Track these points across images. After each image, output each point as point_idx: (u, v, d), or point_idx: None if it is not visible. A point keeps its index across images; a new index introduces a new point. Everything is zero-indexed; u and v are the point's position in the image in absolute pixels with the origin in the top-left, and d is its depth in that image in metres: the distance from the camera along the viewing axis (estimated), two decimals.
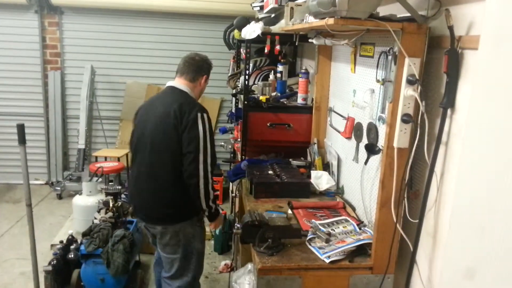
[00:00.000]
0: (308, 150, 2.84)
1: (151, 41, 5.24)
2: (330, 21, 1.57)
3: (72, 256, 3.11)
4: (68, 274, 3.04)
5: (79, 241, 3.16)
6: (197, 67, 2.36)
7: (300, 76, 2.93)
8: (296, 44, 2.69)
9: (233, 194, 3.55)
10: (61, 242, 3.27)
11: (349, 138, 2.27)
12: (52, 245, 3.64)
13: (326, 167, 2.61)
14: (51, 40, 5.21)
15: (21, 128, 2.50)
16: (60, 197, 4.98)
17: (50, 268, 2.97)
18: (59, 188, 4.96)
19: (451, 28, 1.45)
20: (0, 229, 4.12)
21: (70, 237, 3.34)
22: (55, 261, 3.06)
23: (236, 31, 3.50)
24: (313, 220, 2.02)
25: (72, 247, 3.18)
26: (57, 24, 5.17)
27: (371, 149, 1.91)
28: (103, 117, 5.33)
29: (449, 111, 1.52)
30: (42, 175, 5.46)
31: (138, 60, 5.28)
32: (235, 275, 2.78)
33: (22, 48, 5.16)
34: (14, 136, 5.04)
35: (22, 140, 2.51)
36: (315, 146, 2.73)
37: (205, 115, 2.21)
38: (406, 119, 1.60)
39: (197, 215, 2.36)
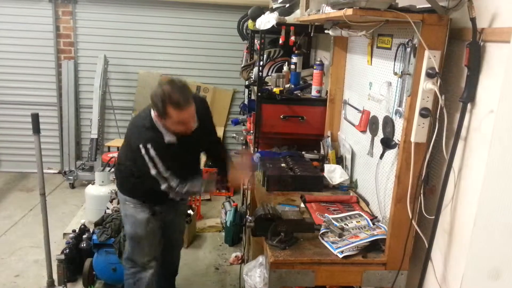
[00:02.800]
0: (321, 143, 2.80)
1: (165, 31, 5.22)
2: (349, 11, 1.53)
3: (85, 245, 3.14)
4: (81, 262, 3.07)
5: (91, 231, 3.19)
6: (152, 101, 2.11)
7: (314, 67, 2.89)
8: (311, 35, 2.65)
9: (245, 187, 3.54)
10: (74, 231, 3.30)
11: (364, 131, 2.23)
12: (64, 234, 3.68)
13: (339, 160, 2.58)
14: (64, 29, 5.22)
15: (35, 117, 2.51)
16: (72, 186, 5.02)
17: (62, 256, 3.00)
18: (71, 178, 5.00)
19: (473, 20, 1.40)
20: (14, 217, 4.17)
21: (83, 226, 3.36)
22: (67, 250, 3.09)
23: (250, 21, 3.47)
24: (326, 214, 2.00)
25: (84, 236, 3.20)
26: (70, 13, 5.17)
27: (387, 143, 1.88)
28: (116, 107, 5.34)
29: (468, 105, 1.48)
30: (55, 164, 5.51)
31: (151, 50, 5.27)
32: (246, 268, 2.77)
33: (36, 37, 5.17)
34: (27, 125, 5.06)
35: (36, 129, 2.53)
36: (329, 139, 2.69)
37: (148, 146, 2.12)
38: (424, 113, 1.56)
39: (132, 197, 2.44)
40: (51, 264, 2.87)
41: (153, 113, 2.17)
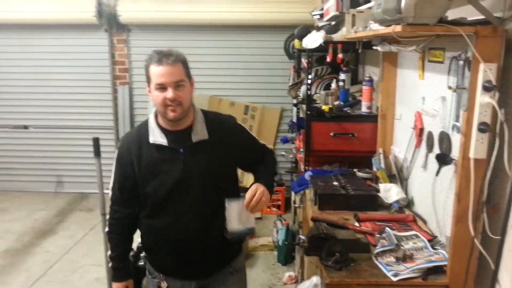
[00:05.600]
0: (372, 160, 2.75)
1: (213, 53, 5.37)
2: (397, 28, 1.52)
3: (142, 263, 3.23)
4: (139, 280, 3.16)
5: None
6: None
7: (363, 83, 2.86)
8: (359, 51, 2.63)
9: (296, 205, 3.53)
10: (132, 250, 3.40)
11: (418, 147, 2.17)
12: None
13: (392, 177, 2.52)
14: (119, 56, 5.51)
15: (96, 142, 2.65)
16: None
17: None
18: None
19: None
20: (76, 236, 4.39)
21: (140, 245, 3.46)
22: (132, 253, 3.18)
23: (296, 40, 3.50)
24: (387, 228, 1.95)
25: (142, 255, 3.29)
26: (124, 41, 5.46)
27: (443, 159, 1.82)
28: None
29: None
30: None
31: (200, 73, 5.40)
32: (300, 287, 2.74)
33: (94, 65, 5.49)
34: (86, 148, 5.41)
35: (97, 152, 2.66)
36: (380, 156, 2.64)
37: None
38: (483, 128, 1.50)
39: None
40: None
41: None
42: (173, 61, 1.64)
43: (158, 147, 1.72)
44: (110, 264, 1.90)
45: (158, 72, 1.64)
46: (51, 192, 5.74)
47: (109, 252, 1.90)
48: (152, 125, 1.75)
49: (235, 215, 1.67)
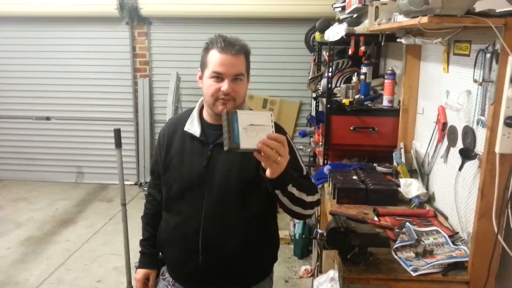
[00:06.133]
0: (393, 155, 2.72)
1: None
2: (424, 19, 1.49)
3: (161, 255, 3.27)
4: (158, 270, 3.20)
5: None
6: None
7: (385, 77, 2.81)
8: (382, 44, 2.60)
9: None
10: None
11: (441, 142, 2.14)
12: None
13: (412, 173, 2.48)
14: (140, 49, 5.55)
15: (117, 133, 2.68)
16: None
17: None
18: (147, 189, 5.25)
19: None
20: (95, 226, 4.46)
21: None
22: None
23: (317, 33, 3.47)
24: (407, 223, 1.92)
25: None
26: (145, 34, 5.50)
27: (467, 154, 1.78)
28: None
29: None
30: (131, 176, 5.82)
31: None
32: (317, 281, 2.74)
33: (115, 57, 5.55)
34: (106, 140, 5.48)
35: (118, 143, 2.69)
36: (401, 151, 2.60)
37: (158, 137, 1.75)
38: (510, 122, 1.46)
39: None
40: (130, 271, 3.02)
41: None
42: (237, 51, 1.49)
43: (190, 136, 1.60)
44: (139, 249, 1.83)
45: (218, 59, 1.48)
46: (71, 182, 5.85)
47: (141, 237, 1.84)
48: (194, 113, 1.64)
49: (242, 126, 1.27)
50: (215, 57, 1.49)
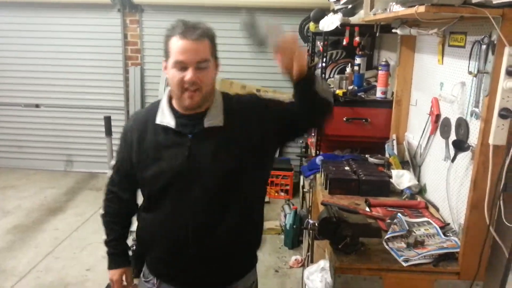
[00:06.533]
0: (386, 146, 2.72)
1: (225, 36, 5.28)
2: (421, 9, 1.48)
3: (132, 254, 3.24)
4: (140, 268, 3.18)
5: None
6: None
7: (379, 68, 2.81)
8: (377, 35, 2.58)
9: (305, 190, 3.51)
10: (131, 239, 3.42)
11: (434, 134, 2.14)
12: (131, 232, 3.83)
13: (405, 164, 2.49)
14: (132, 37, 5.47)
15: (108, 120, 2.65)
16: None
17: (130, 253, 3.12)
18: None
19: None
20: (85, 215, 4.42)
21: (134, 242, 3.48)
22: (134, 247, 3.21)
23: (311, 23, 3.44)
24: (399, 214, 1.93)
25: None
26: (137, 21, 5.42)
27: (460, 146, 1.78)
28: None
29: None
30: None
31: None
32: (307, 271, 2.74)
33: (106, 45, 5.46)
34: (96, 128, 5.40)
35: (108, 131, 2.66)
36: (393, 143, 2.60)
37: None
38: (504, 114, 1.46)
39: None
40: None
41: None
42: (199, 35, 1.40)
43: (165, 129, 1.49)
44: (106, 250, 1.73)
45: (180, 47, 1.39)
46: (61, 170, 5.79)
47: (103, 237, 1.73)
48: (164, 104, 1.52)
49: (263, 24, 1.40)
50: (176, 45, 1.40)
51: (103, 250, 1.77)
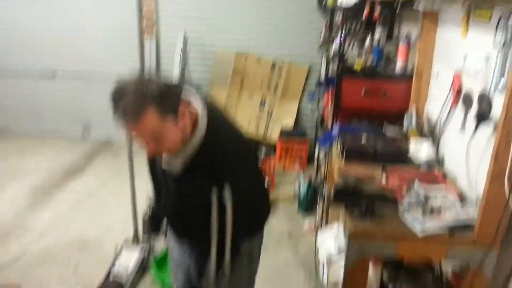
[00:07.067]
0: (404, 117, 2.72)
1: (240, 5, 5.24)
2: None
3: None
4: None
5: None
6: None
7: (400, 42, 2.79)
8: (397, 12, 2.55)
9: (320, 160, 3.55)
10: None
11: (455, 107, 2.15)
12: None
13: (424, 135, 2.50)
14: (147, 8, 5.42)
15: None
16: None
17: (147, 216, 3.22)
18: None
19: None
20: (102, 178, 4.53)
21: None
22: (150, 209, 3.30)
23: None
24: (416, 183, 1.96)
25: None
26: None
27: (482, 118, 1.80)
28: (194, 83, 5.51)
29: None
30: None
31: (226, 27, 5.33)
32: (320, 236, 2.81)
33: (122, 18, 5.43)
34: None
35: None
36: (413, 115, 2.60)
37: None
38: None
39: None
40: (137, 220, 3.10)
41: None
42: (133, 120, 1.33)
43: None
44: None
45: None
46: (78, 137, 5.88)
47: None
48: None
49: None
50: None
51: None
